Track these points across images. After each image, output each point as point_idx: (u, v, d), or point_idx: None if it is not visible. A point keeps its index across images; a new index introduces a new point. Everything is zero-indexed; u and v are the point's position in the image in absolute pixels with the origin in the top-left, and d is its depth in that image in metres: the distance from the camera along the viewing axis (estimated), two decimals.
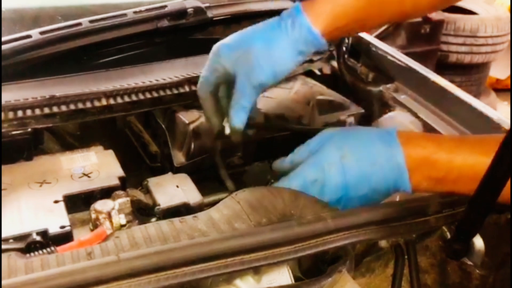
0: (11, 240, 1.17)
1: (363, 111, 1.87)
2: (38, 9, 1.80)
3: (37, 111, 1.44)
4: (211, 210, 1.21)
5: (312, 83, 1.96)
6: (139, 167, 1.69)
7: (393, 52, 2.00)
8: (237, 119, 1.36)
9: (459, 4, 5.22)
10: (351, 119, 1.81)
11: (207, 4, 1.84)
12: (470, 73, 5.11)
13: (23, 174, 1.39)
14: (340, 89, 1.99)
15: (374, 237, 1.17)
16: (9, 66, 1.48)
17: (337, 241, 1.11)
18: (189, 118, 1.62)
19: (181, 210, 1.35)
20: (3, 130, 1.41)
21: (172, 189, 1.40)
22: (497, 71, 5.71)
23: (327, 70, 2.12)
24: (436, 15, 4.53)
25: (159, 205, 1.34)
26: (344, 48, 2.05)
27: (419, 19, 4.42)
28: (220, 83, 1.41)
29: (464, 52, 4.98)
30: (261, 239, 1.07)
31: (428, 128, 1.68)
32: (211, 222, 1.16)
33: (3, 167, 1.40)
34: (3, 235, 1.17)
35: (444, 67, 4.77)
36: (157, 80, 1.61)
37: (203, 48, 1.83)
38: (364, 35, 2.11)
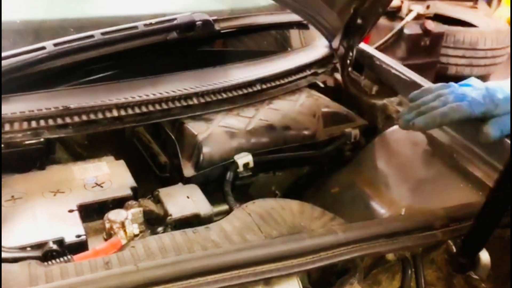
0: (28, 248, 1.19)
1: (367, 123, 1.90)
2: (51, 21, 1.82)
3: (51, 122, 1.47)
4: (223, 222, 1.25)
5: (317, 95, 1.98)
6: (146, 176, 1.71)
7: (396, 65, 2.02)
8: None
9: (459, 16, 5.28)
10: (356, 132, 1.83)
11: (215, 17, 1.86)
12: None
13: (37, 183, 1.41)
14: (343, 101, 2.02)
15: (383, 250, 1.19)
16: (23, 77, 1.50)
17: (347, 254, 1.14)
18: (197, 129, 1.64)
19: (192, 221, 1.37)
20: (17, 140, 1.44)
21: (183, 200, 1.43)
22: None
23: (330, 82, 2.15)
24: (436, 28, 4.58)
25: (170, 215, 1.37)
26: (348, 61, 2.07)
27: (419, 32, 4.49)
28: None
29: (463, 65, 5.02)
30: (273, 251, 1.10)
31: (431, 141, 1.70)
32: (223, 234, 1.19)
33: (17, 176, 1.43)
34: (20, 243, 1.19)
35: (443, 79, 4.69)
36: (167, 93, 1.64)
37: (211, 60, 1.87)
38: (367, 48, 2.14)
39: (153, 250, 1.11)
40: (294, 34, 2.24)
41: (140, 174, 1.57)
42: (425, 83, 1.90)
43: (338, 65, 2.11)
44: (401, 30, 4.46)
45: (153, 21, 1.73)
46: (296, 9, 1.96)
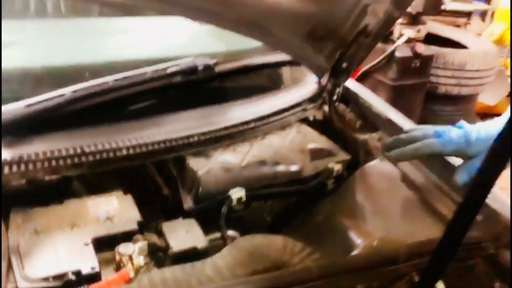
0: (50, 279, 1.40)
1: (349, 157, 2.10)
2: (67, 67, 2.01)
3: (68, 161, 1.66)
4: (217, 257, 1.46)
5: (305, 131, 2.19)
6: (150, 206, 1.88)
7: (377, 104, 2.22)
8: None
9: (450, 36, 5.47)
10: (339, 167, 2.03)
11: (215, 61, 2.06)
12: (458, 103, 5.32)
13: (56, 217, 1.61)
14: (330, 134, 2.23)
15: (353, 283, 1.39)
16: (45, 120, 1.69)
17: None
18: (197, 165, 1.85)
19: (190, 253, 1.58)
20: (39, 177, 1.63)
21: (182, 234, 1.63)
22: (487, 98, 5.87)
23: (319, 115, 2.35)
24: (426, 51, 4.77)
25: (171, 248, 1.58)
26: (334, 98, 2.28)
27: (410, 54, 4.68)
28: None
29: (452, 85, 5.17)
30: (254, 287, 1.31)
31: (405, 178, 1.91)
32: (217, 269, 1.40)
33: (39, 209, 1.63)
34: (43, 275, 1.40)
35: (433, 98, 5.02)
36: (171, 133, 1.84)
37: (212, 99, 2.07)
38: (352, 86, 2.34)
39: (157, 283, 1.33)
40: (286, 72, 2.44)
41: (144, 204, 1.75)
42: (404, 122, 2.08)
43: (326, 98, 2.31)
44: (392, 52, 4.64)
45: (160, 67, 1.93)
46: (288, 51, 2.16)
